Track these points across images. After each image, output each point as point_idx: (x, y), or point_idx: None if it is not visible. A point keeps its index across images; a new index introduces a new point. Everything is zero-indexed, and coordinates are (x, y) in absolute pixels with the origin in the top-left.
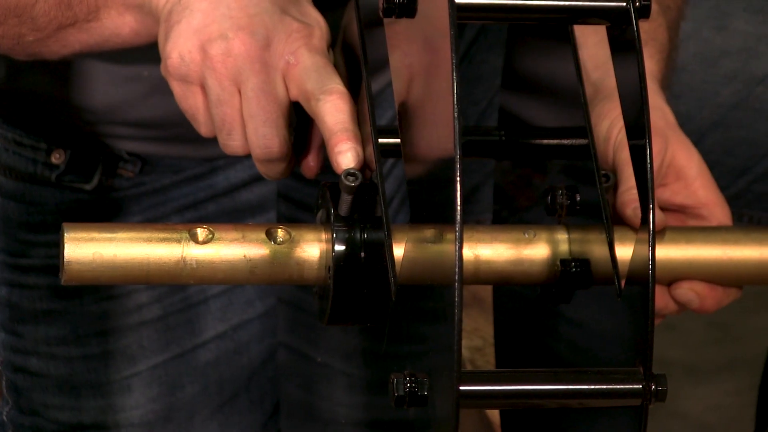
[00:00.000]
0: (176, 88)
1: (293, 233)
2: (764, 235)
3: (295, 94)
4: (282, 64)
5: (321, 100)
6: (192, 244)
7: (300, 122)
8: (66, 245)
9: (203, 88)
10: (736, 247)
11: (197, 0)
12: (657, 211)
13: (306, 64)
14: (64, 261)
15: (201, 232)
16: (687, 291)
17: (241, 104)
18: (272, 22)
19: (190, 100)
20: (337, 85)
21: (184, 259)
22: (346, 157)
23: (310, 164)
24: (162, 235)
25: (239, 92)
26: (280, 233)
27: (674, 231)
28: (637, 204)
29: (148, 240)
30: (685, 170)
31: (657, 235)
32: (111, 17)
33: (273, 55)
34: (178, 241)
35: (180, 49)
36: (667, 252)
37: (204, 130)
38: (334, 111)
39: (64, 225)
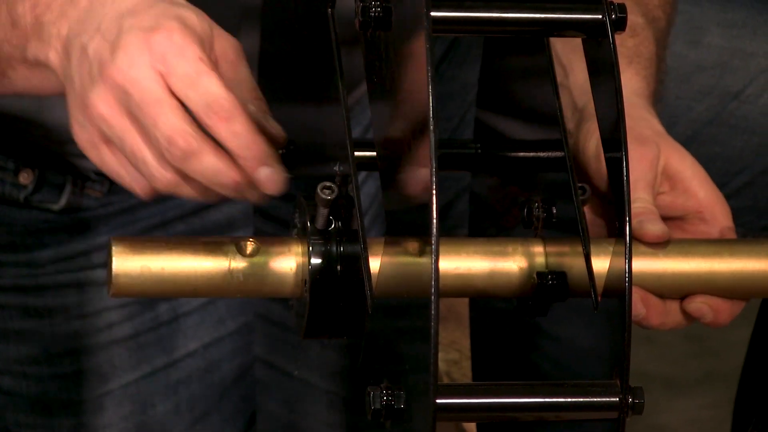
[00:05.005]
0: (93, 157)
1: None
2: (766, 247)
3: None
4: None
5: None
6: (239, 257)
7: None
8: (114, 259)
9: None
10: (739, 260)
11: (75, 64)
12: (660, 223)
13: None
14: (113, 274)
15: (248, 245)
16: (701, 305)
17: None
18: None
19: (106, 160)
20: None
21: (231, 272)
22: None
23: None
24: (209, 248)
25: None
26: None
27: (676, 243)
28: (642, 217)
29: (195, 253)
30: (680, 174)
31: (658, 247)
32: (18, 77)
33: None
34: (225, 254)
35: (73, 121)
36: (667, 265)
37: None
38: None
39: (112, 238)
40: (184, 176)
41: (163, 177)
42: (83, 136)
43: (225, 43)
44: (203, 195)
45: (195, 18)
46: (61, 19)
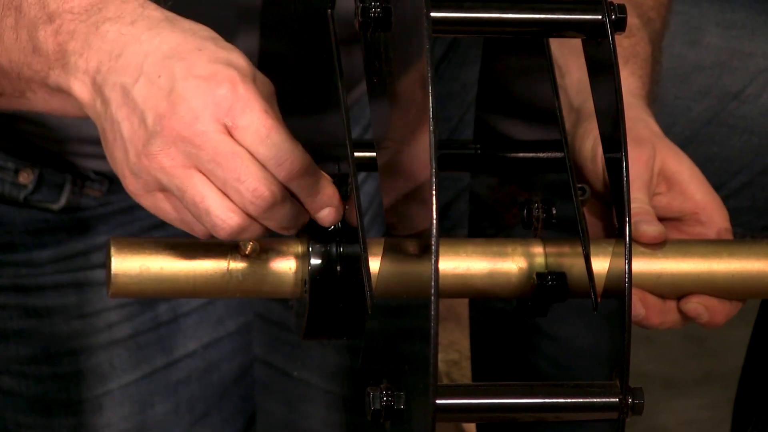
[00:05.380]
0: (145, 203)
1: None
2: (765, 248)
3: None
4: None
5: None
6: (238, 257)
7: None
8: (113, 258)
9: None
10: (737, 261)
11: (116, 107)
12: (657, 224)
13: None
14: (111, 274)
15: (247, 245)
16: (697, 305)
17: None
18: (189, 90)
19: (161, 206)
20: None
21: (230, 273)
22: None
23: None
24: (208, 248)
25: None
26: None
27: (675, 244)
28: (638, 218)
29: (194, 253)
30: (677, 175)
31: (657, 248)
32: (38, 99)
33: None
34: (224, 254)
35: (124, 168)
36: (666, 265)
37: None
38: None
39: (111, 238)
40: (250, 223)
41: (227, 225)
42: (136, 184)
43: (261, 86)
44: (261, 236)
45: (243, 62)
46: (88, 51)
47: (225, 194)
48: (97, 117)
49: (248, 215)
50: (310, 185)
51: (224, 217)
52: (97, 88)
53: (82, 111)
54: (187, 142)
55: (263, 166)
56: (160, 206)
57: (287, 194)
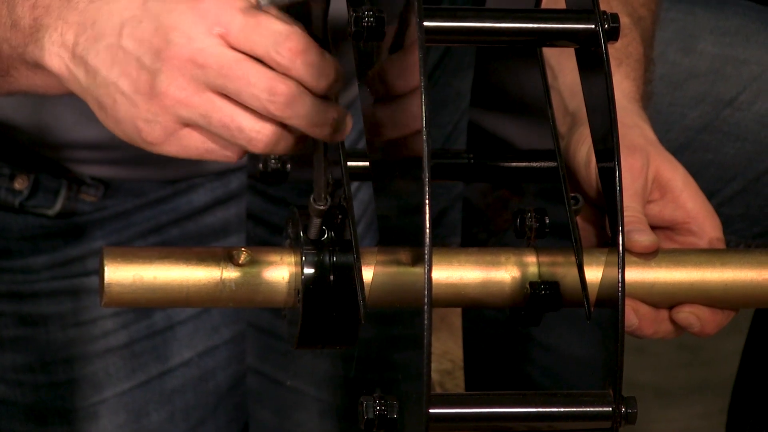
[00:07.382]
0: (170, 148)
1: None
2: (760, 258)
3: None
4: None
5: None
6: (231, 266)
7: None
8: (106, 268)
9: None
10: (730, 270)
11: (107, 70)
12: (650, 233)
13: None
14: (105, 283)
15: (240, 255)
16: (688, 315)
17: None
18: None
19: (188, 144)
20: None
21: (223, 282)
22: None
23: None
24: (201, 257)
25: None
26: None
27: (668, 253)
28: (631, 227)
29: (188, 262)
30: (670, 183)
31: (648, 257)
32: (21, 77)
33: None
34: (218, 263)
35: (137, 122)
36: (659, 275)
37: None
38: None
39: (104, 248)
40: (282, 130)
41: (263, 135)
42: (154, 132)
43: None
44: (298, 147)
45: None
46: (63, 25)
47: (245, 107)
48: (84, 90)
49: (277, 122)
50: (316, 62)
51: (257, 128)
52: (79, 60)
53: (63, 87)
54: (190, 65)
55: (268, 64)
56: (188, 144)
57: (303, 88)
